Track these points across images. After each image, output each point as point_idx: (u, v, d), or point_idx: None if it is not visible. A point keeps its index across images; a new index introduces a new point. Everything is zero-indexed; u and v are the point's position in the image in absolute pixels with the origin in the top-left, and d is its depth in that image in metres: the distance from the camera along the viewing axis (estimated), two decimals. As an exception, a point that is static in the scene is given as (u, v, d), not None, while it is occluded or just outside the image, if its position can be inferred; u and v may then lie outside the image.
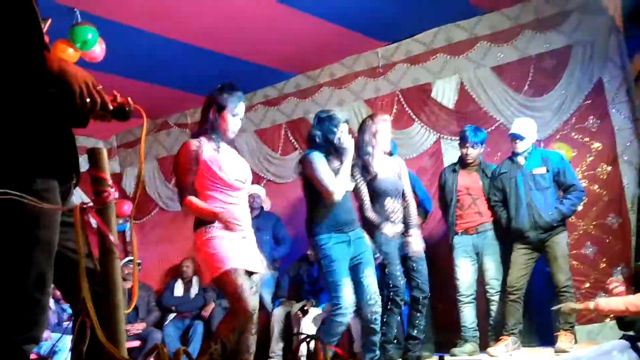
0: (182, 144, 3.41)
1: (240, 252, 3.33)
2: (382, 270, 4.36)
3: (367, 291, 3.98)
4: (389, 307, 4.27)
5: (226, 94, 3.43)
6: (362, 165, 4.40)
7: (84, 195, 5.75)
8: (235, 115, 3.43)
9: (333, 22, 5.71)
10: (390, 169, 4.52)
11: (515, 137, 4.86)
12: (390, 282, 4.29)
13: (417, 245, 4.47)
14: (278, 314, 5.93)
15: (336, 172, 3.96)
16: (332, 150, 4.02)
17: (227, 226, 3.29)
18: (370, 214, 4.38)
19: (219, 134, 3.41)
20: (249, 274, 3.35)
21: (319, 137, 4.05)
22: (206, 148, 3.35)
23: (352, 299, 3.86)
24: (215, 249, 3.27)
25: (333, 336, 3.82)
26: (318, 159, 3.94)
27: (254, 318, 3.25)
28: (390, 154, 5.50)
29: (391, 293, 4.28)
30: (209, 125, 3.40)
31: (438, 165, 6.09)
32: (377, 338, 4.07)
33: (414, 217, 4.52)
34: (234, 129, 3.46)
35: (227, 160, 3.39)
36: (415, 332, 4.50)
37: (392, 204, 4.42)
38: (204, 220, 3.31)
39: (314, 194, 3.98)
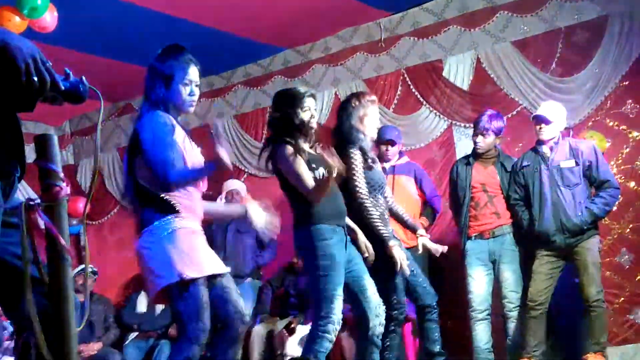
0: (147, 117, 3.23)
1: (211, 255, 3.26)
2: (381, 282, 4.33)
3: (371, 301, 3.94)
4: (391, 327, 4.20)
5: (171, 60, 3.27)
6: (361, 150, 4.25)
7: (30, 190, 5.73)
8: (187, 84, 3.29)
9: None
10: (376, 160, 4.47)
11: (541, 120, 4.86)
12: (394, 296, 4.27)
13: (433, 245, 4.49)
14: (258, 332, 5.94)
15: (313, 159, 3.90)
16: (301, 135, 3.93)
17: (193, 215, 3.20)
18: (374, 213, 4.20)
19: (174, 111, 3.28)
20: (214, 278, 3.25)
21: (282, 120, 3.97)
22: (177, 127, 3.24)
23: (340, 316, 3.85)
24: (180, 247, 3.09)
25: (321, 353, 3.81)
26: (289, 152, 3.87)
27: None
28: (392, 143, 5.51)
29: (395, 311, 4.25)
30: (160, 102, 3.25)
31: (449, 157, 6.12)
32: (377, 356, 4.06)
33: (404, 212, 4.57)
34: (190, 101, 3.31)
35: (187, 142, 3.29)
36: (438, 348, 4.47)
37: (384, 201, 4.38)
38: (161, 207, 3.14)
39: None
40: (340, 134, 4.30)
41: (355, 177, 4.17)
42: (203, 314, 3.09)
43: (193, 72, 3.31)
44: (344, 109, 4.37)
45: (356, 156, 4.20)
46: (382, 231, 4.16)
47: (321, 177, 3.82)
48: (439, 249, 4.51)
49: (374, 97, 4.45)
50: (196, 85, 3.33)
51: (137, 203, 3.23)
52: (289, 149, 3.86)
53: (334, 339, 3.83)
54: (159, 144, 3.12)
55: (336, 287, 3.79)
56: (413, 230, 4.59)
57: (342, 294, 3.83)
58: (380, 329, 3.97)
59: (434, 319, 4.45)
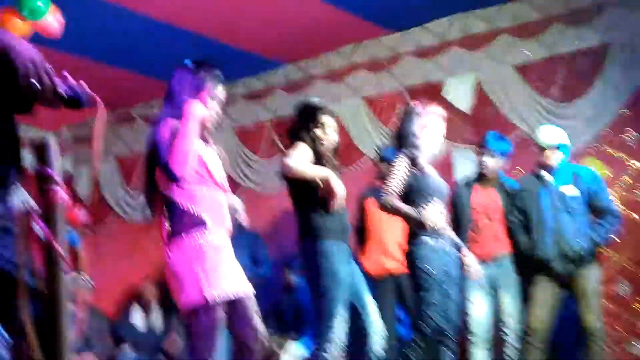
0: (164, 123, 3.16)
1: (236, 275, 3.17)
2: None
3: (373, 323, 3.87)
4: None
5: (203, 72, 3.24)
6: (410, 157, 4.06)
7: (26, 195, 5.69)
8: (214, 98, 3.25)
9: (330, 3, 5.71)
10: (433, 170, 4.26)
11: (547, 146, 4.83)
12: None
13: (475, 266, 4.24)
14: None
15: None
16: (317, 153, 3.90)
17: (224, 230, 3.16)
18: (394, 201, 3.96)
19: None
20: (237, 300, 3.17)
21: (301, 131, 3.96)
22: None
23: (343, 338, 3.78)
24: (205, 266, 3.03)
25: None
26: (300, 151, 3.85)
27: None
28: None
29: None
30: (177, 105, 3.17)
31: (447, 179, 6.05)
32: None
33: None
34: (215, 118, 3.29)
35: (212, 157, 3.26)
36: None
37: (442, 209, 4.12)
38: (187, 220, 3.09)
39: (312, 196, 3.83)
40: (398, 138, 4.21)
41: (390, 176, 4.02)
42: (215, 336, 3.04)
43: (220, 89, 3.28)
44: (408, 114, 4.25)
45: (401, 161, 4.05)
46: (408, 212, 3.95)
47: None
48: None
49: (440, 110, 4.29)
50: (220, 105, 3.29)
51: (162, 214, 3.16)
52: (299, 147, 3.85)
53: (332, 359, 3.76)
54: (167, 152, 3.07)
55: (338, 307, 3.72)
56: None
57: (344, 313, 3.76)
58: (381, 352, 3.89)
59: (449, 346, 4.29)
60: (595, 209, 4.80)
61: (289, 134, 4.09)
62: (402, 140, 4.17)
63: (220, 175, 3.26)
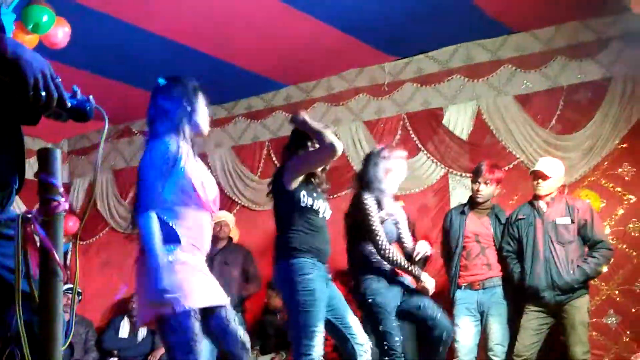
0: (154, 145, 3.19)
1: (208, 286, 3.20)
2: (373, 326, 4.32)
3: (357, 337, 3.89)
4: None
5: (190, 81, 3.28)
6: (376, 200, 4.35)
7: (21, 204, 5.71)
8: (205, 105, 3.28)
9: (335, 27, 5.78)
10: (392, 209, 4.53)
11: (539, 176, 4.88)
12: (386, 342, 4.21)
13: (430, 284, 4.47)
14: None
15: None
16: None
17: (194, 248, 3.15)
18: (397, 256, 4.28)
19: (196, 127, 3.25)
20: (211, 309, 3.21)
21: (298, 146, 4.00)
22: (185, 152, 3.16)
23: (321, 352, 3.80)
24: (177, 277, 3.01)
25: None
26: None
27: None
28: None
29: (387, 357, 4.19)
30: (187, 115, 3.20)
31: (443, 205, 6.13)
32: None
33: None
34: (206, 125, 3.31)
35: (201, 172, 3.25)
36: None
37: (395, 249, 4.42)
38: (165, 234, 3.08)
39: (293, 213, 3.88)
40: (362, 179, 4.42)
41: (372, 225, 4.27)
42: (193, 347, 3.02)
43: (202, 100, 3.31)
44: (373, 157, 4.47)
45: (370, 202, 4.30)
46: (409, 268, 4.30)
47: (304, 205, 3.84)
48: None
49: (404, 154, 4.56)
50: (205, 108, 3.32)
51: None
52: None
53: None
54: (146, 181, 3.10)
55: (317, 324, 3.74)
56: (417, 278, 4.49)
57: (323, 330, 3.79)
58: None
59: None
60: (589, 241, 4.84)
61: (285, 149, 4.11)
62: (366, 182, 4.39)
63: (209, 192, 3.24)
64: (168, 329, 3.02)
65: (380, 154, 4.45)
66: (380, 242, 4.24)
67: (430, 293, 4.38)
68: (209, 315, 3.18)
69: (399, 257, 4.27)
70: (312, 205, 3.88)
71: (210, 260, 6.16)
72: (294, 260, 3.81)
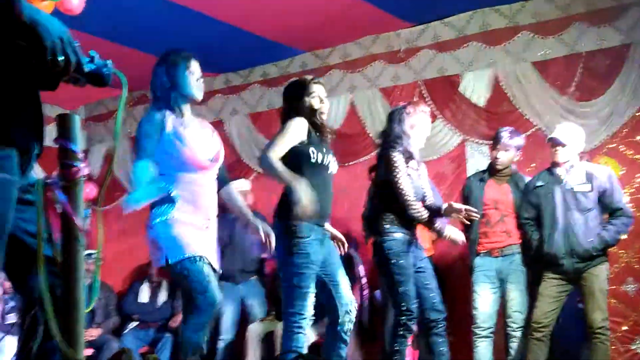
0: (144, 116, 3.59)
1: (204, 243, 3.45)
2: (390, 288, 4.34)
3: (342, 297, 3.93)
4: (399, 332, 4.25)
5: (172, 55, 3.59)
6: (403, 152, 4.32)
7: (41, 172, 5.75)
8: (192, 72, 3.56)
9: (352, -7, 5.71)
10: (418, 169, 4.52)
11: (556, 143, 4.83)
12: (404, 304, 4.24)
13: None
14: (254, 331, 5.94)
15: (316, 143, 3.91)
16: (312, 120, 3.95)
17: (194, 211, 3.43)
18: (423, 212, 4.26)
19: (183, 97, 3.55)
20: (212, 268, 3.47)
21: (291, 110, 4.01)
22: (170, 121, 3.48)
23: (312, 311, 3.84)
24: (175, 233, 3.38)
25: (301, 349, 3.80)
26: (290, 123, 3.90)
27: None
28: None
29: (403, 317, 4.25)
30: (167, 90, 3.54)
31: (460, 172, 6.10)
32: (344, 352, 4.04)
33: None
34: (198, 87, 3.58)
35: (193, 134, 3.51)
36: None
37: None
38: (164, 200, 3.43)
39: (301, 170, 3.83)
40: (388, 138, 4.39)
41: (398, 181, 4.24)
42: (207, 286, 3.35)
43: (195, 64, 3.59)
44: (397, 113, 4.44)
45: (398, 159, 4.27)
46: (434, 226, 4.36)
47: (315, 160, 3.83)
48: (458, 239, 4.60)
49: (426, 109, 4.54)
50: (200, 76, 3.60)
51: None
52: (297, 122, 3.87)
53: (307, 333, 3.84)
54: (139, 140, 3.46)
55: (310, 285, 3.81)
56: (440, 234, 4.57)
57: (315, 289, 3.84)
58: (349, 326, 3.96)
59: (439, 333, 4.40)
60: (608, 208, 4.80)
61: (282, 116, 4.08)
62: (393, 139, 4.37)
63: (206, 152, 3.53)
64: (178, 276, 3.40)
65: (404, 110, 4.42)
66: (407, 198, 4.22)
67: (460, 243, 4.56)
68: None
69: (424, 214, 4.25)
70: (322, 161, 3.88)
71: (231, 221, 6.25)
72: (290, 223, 3.81)
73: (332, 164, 3.97)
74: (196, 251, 3.38)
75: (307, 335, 3.86)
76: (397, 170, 4.25)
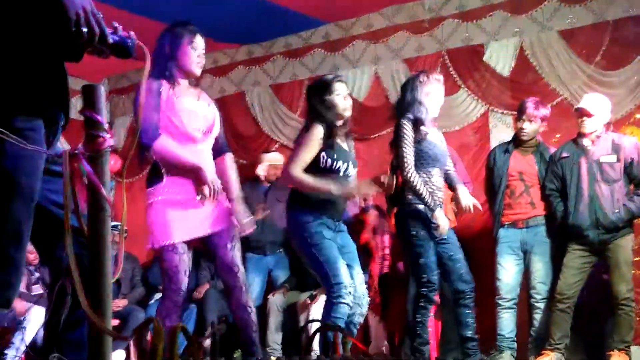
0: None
1: (191, 223, 3.56)
2: (411, 259, 4.35)
3: (356, 290, 3.95)
4: (421, 303, 4.28)
5: (179, 27, 3.61)
6: (413, 120, 4.28)
7: (66, 145, 5.78)
8: (195, 48, 3.59)
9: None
10: (437, 136, 4.49)
11: (583, 113, 4.77)
12: (425, 275, 4.26)
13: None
14: (275, 303, 5.98)
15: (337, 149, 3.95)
16: (336, 120, 3.99)
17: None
18: (420, 185, 4.18)
19: (180, 71, 3.60)
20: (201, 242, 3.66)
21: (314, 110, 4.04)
22: (164, 91, 3.53)
23: (350, 280, 3.86)
24: (156, 218, 3.57)
25: (339, 320, 3.82)
26: (313, 134, 3.93)
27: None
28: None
29: (424, 289, 4.27)
30: (167, 60, 3.58)
31: (483, 143, 6.07)
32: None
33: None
34: (197, 62, 3.62)
35: (186, 105, 3.56)
36: (470, 333, 4.43)
37: (438, 178, 4.37)
38: (153, 172, 3.61)
39: (312, 171, 3.93)
40: (401, 106, 4.38)
41: (403, 148, 4.22)
42: (172, 276, 3.57)
43: (199, 39, 3.63)
44: (411, 82, 4.44)
45: (407, 128, 4.25)
46: (426, 199, 4.19)
47: (337, 170, 3.91)
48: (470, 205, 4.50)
49: (440, 77, 4.52)
50: (202, 52, 3.64)
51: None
52: (315, 132, 3.90)
53: (350, 303, 3.84)
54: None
55: (334, 253, 3.86)
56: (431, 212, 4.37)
57: (343, 262, 3.88)
58: (359, 319, 4.04)
59: (466, 304, 4.41)
60: (634, 179, 4.75)
61: (305, 115, 4.17)
62: (405, 107, 4.35)
63: (197, 123, 3.59)
64: (159, 259, 3.63)
65: (418, 78, 4.41)
66: (406, 166, 4.19)
67: (440, 234, 4.24)
68: (206, 242, 3.68)
69: (421, 187, 4.18)
70: (330, 166, 3.93)
71: (263, 193, 6.27)
72: (298, 213, 3.94)
73: (347, 168, 4.00)
74: (175, 238, 3.55)
75: (349, 305, 3.87)
76: (402, 137, 4.24)
